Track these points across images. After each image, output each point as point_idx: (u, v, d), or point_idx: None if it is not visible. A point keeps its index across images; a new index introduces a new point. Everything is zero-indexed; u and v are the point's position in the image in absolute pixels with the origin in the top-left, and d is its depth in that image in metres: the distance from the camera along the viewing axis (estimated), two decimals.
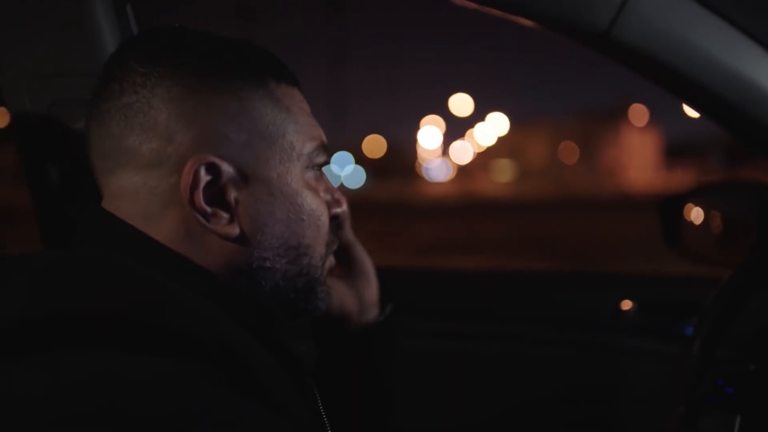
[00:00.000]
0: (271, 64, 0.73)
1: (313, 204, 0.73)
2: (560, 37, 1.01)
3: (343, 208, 0.82)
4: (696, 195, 1.46)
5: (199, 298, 0.62)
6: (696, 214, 1.40)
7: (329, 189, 0.79)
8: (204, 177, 0.66)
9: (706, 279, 1.56)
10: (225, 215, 0.68)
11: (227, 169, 0.68)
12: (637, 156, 44.79)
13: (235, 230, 0.68)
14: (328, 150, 0.77)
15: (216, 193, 0.68)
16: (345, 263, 0.96)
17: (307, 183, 0.73)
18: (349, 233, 0.96)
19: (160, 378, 0.51)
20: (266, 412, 0.56)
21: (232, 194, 0.68)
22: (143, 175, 0.67)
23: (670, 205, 1.44)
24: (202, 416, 0.50)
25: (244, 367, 0.58)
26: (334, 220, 0.80)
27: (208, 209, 0.67)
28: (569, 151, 46.92)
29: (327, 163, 0.77)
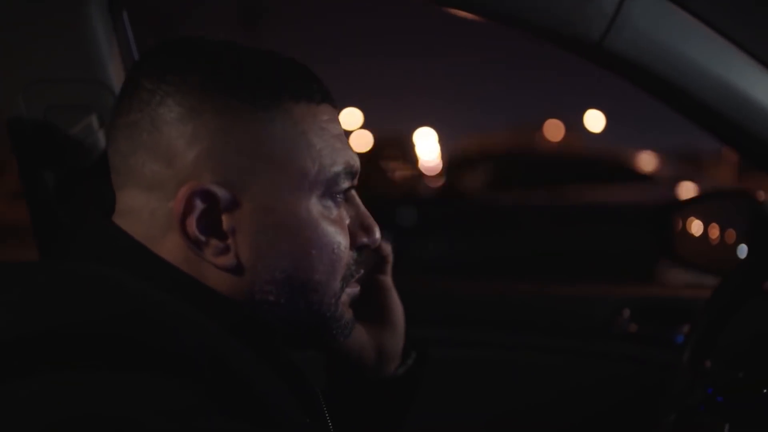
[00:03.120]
0: (290, 80, 0.67)
1: (328, 236, 0.67)
2: (553, 47, 1.02)
3: (373, 238, 0.74)
4: (686, 205, 1.48)
5: (194, 312, 0.60)
6: (686, 224, 1.42)
7: (360, 216, 0.73)
8: (198, 205, 0.63)
9: (697, 286, 1.57)
10: (220, 245, 0.64)
11: (224, 196, 0.63)
12: None
13: (230, 261, 0.65)
14: (356, 174, 0.71)
15: (212, 222, 0.64)
16: (374, 307, 0.88)
17: (322, 213, 0.68)
18: (387, 278, 0.89)
19: (149, 395, 0.51)
20: (250, 429, 0.55)
21: (230, 223, 0.64)
22: (146, 196, 0.65)
23: (660, 214, 1.45)
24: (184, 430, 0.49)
25: (237, 381, 0.57)
26: (362, 249, 0.74)
27: (202, 238, 0.64)
28: None
29: (352, 187, 0.72)
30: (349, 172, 0.70)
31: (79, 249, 0.68)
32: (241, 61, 0.66)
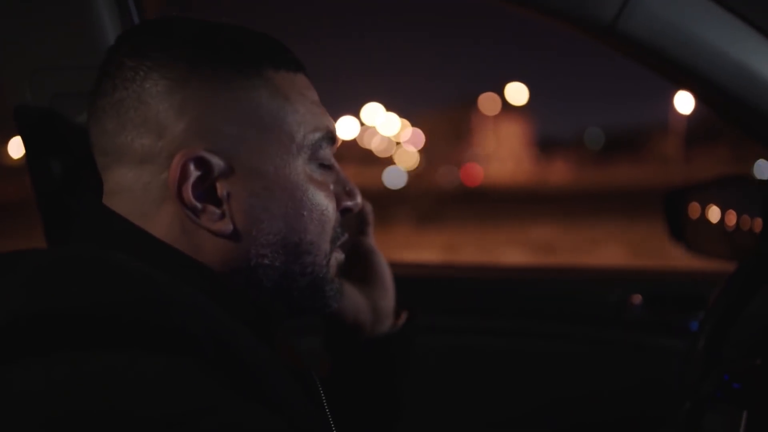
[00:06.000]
0: (269, 50, 0.70)
1: (317, 198, 0.70)
2: (565, 29, 1.00)
3: (355, 201, 0.77)
4: (699, 190, 1.46)
5: (195, 293, 0.61)
6: (700, 209, 1.40)
7: (341, 181, 0.76)
8: (193, 172, 0.65)
9: (711, 273, 1.56)
10: (216, 211, 0.66)
11: (218, 163, 0.65)
12: (503, 147, 42.89)
13: (227, 226, 0.66)
14: (336, 140, 0.74)
15: (207, 189, 0.66)
16: (363, 269, 0.93)
17: (310, 176, 0.70)
18: (369, 240, 0.94)
19: (156, 377, 0.51)
20: (262, 410, 0.55)
21: (224, 189, 0.66)
22: (137, 172, 0.66)
23: (674, 199, 1.43)
24: (199, 415, 0.49)
25: (241, 364, 0.57)
26: (346, 212, 0.77)
27: (198, 205, 0.65)
28: (442, 142, 45.64)
29: (334, 152, 0.75)
30: (330, 137, 0.73)
31: (78, 234, 0.70)
32: (221, 33, 0.69)
